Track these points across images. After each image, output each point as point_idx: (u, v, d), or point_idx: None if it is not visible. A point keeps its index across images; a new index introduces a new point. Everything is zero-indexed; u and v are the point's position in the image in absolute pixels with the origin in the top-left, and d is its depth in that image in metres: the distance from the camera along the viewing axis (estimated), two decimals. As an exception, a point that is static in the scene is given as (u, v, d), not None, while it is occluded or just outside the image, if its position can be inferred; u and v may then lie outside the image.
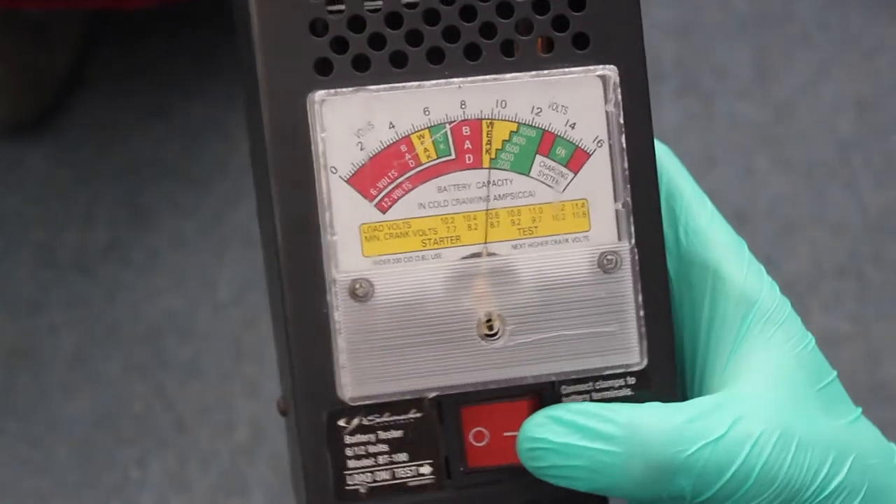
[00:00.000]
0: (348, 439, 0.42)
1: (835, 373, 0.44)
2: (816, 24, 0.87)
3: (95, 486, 0.77)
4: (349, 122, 0.42)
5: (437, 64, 0.42)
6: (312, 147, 0.42)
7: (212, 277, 0.82)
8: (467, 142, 0.43)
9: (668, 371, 0.43)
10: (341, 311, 0.42)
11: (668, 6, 0.87)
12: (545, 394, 0.43)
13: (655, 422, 0.41)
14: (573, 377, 0.43)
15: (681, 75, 0.85)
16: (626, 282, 0.43)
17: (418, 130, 0.42)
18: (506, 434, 0.43)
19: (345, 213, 0.42)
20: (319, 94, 0.42)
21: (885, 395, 0.79)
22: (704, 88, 0.86)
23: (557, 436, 0.41)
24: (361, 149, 0.42)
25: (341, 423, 0.42)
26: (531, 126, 0.43)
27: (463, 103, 0.42)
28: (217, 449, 0.78)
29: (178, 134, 0.85)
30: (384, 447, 0.43)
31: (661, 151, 0.46)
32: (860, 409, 0.44)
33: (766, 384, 0.43)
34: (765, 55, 0.87)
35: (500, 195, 0.43)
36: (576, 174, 0.43)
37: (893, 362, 0.79)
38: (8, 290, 0.82)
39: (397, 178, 0.42)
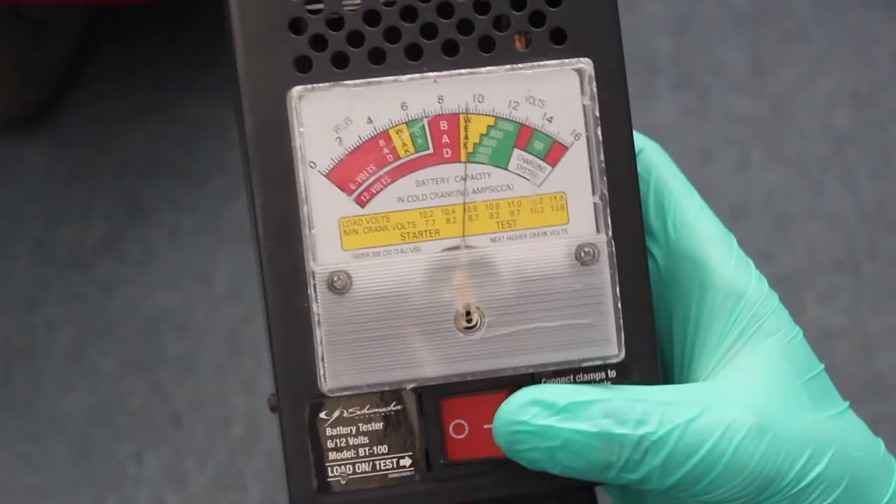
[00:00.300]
0: (329, 431, 0.43)
1: (822, 366, 0.44)
2: (812, 19, 0.87)
3: (92, 481, 0.77)
4: (328, 118, 0.42)
5: (415, 60, 0.43)
6: (292, 142, 0.42)
7: (208, 273, 0.82)
8: (445, 136, 0.43)
9: (649, 363, 0.44)
10: (320, 304, 0.42)
11: (664, 1, 0.87)
12: (524, 385, 0.43)
13: (627, 404, 0.41)
14: (552, 369, 0.43)
15: (677, 70, 0.85)
16: (603, 274, 0.43)
17: (396, 125, 0.43)
18: (485, 426, 0.43)
19: (324, 208, 0.42)
20: (297, 90, 0.42)
21: (881, 389, 0.79)
22: (701, 83, 0.86)
23: (532, 417, 0.41)
24: (340, 143, 0.42)
25: (322, 415, 0.43)
26: (508, 120, 0.43)
27: (440, 98, 0.43)
28: (214, 444, 0.78)
29: (175, 130, 0.86)
30: (364, 439, 0.43)
31: (651, 148, 0.46)
32: (847, 403, 0.45)
33: (749, 376, 0.43)
34: (761, 50, 0.87)
35: (478, 189, 0.43)
36: (553, 167, 0.43)
37: (888, 356, 0.80)
38: (4, 285, 0.82)
39: (376, 172, 0.43)
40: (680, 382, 0.45)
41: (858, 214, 0.82)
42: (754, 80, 0.87)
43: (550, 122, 0.43)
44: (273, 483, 0.77)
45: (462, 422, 0.43)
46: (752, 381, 0.43)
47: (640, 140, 0.46)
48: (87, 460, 0.78)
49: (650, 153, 0.46)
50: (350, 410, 0.43)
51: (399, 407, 0.43)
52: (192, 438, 0.78)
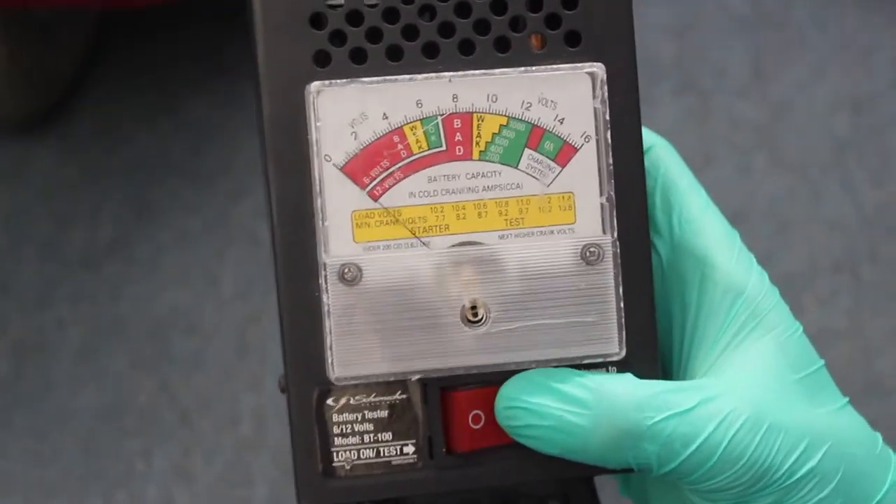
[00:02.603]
0: (336, 417, 0.44)
1: (821, 362, 0.45)
2: (813, 25, 0.88)
3: (101, 477, 0.78)
4: (344, 113, 0.43)
5: (431, 58, 0.44)
6: (308, 135, 0.43)
7: (216, 273, 0.83)
8: (458, 134, 0.44)
9: (649, 361, 0.45)
10: (330, 295, 0.43)
11: (666, 6, 0.88)
12: (525, 377, 0.44)
13: (623, 390, 0.42)
14: (553, 364, 0.44)
15: (679, 74, 0.86)
16: (607, 274, 0.44)
17: (411, 122, 0.44)
18: (486, 418, 0.44)
19: (337, 200, 0.43)
20: (316, 85, 0.43)
21: (880, 391, 0.80)
22: (702, 87, 0.87)
23: (531, 395, 0.42)
24: (355, 138, 0.43)
25: (329, 401, 0.44)
26: (521, 120, 0.44)
27: (455, 97, 0.44)
28: (221, 442, 0.79)
29: (184, 132, 0.87)
30: (370, 426, 0.44)
31: (660, 145, 0.47)
32: (846, 399, 0.45)
33: (746, 371, 0.44)
34: (762, 55, 0.88)
35: (488, 186, 0.44)
36: (563, 168, 0.44)
37: (888, 358, 0.80)
38: (15, 285, 0.83)
39: (389, 167, 0.44)
40: (679, 377, 0.46)
41: (859, 218, 0.83)
42: (755, 86, 0.87)
43: (562, 123, 0.44)
44: (280, 480, 0.78)
45: (464, 412, 0.44)
46: (748, 376, 0.44)
47: (649, 137, 0.47)
48: (95, 457, 0.79)
49: (659, 150, 0.47)
50: (356, 398, 0.44)
51: (404, 396, 0.44)
52: (200, 436, 0.79)
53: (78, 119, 0.87)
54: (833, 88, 0.87)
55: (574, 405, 0.42)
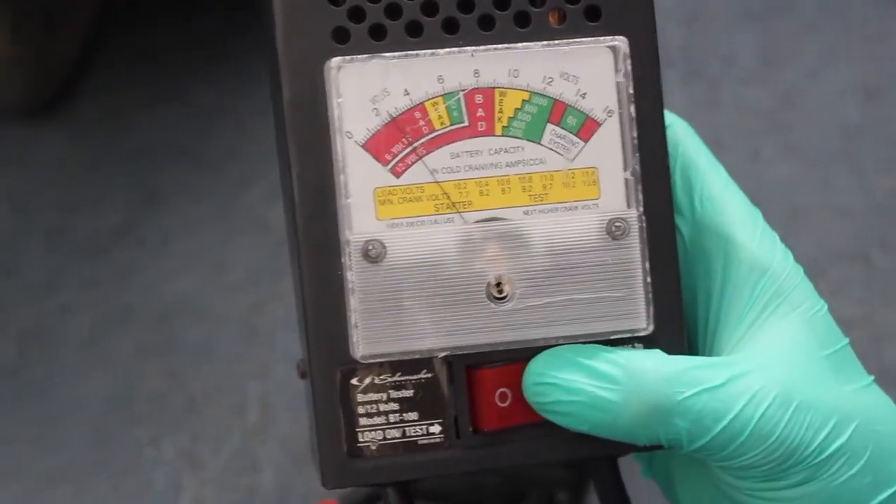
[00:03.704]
0: (360, 397, 0.43)
1: (846, 340, 0.45)
2: (822, 11, 0.88)
3: (109, 464, 0.78)
4: (365, 89, 0.43)
5: (451, 34, 0.43)
6: (329, 113, 0.43)
7: (223, 260, 0.82)
8: (480, 109, 0.44)
9: (676, 337, 0.44)
10: (354, 272, 0.43)
11: (675, -7, 0.87)
12: (553, 354, 0.44)
13: (654, 365, 0.42)
14: (580, 341, 0.44)
15: (687, 61, 0.86)
16: (633, 248, 0.44)
17: (432, 98, 0.43)
18: (513, 396, 0.44)
19: (359, 177, 0.43)
20: (336, 61, 0.43)
21: (892, 379, 0.80)
22: (711, 75, 0.87)
23: (560, 371, 0.42)
24: (377, 115, 0.43)
25: (354, 381, 0.43)
26: (543, 95, 0.44)
27: (476, 72, 0.43)
28: (229, 429, 0.78)
29: (190, 118, 0.86)
30: (395, 406, 0.44)
31: (678, 125, 0.47)
32: (872, 378, 0.45)
33: (773, 349, 0.43)
34: (771, 42, 0.87)
35: (511, 162, 0.44)
36: (586, 143, 0.44)
37: (899, 346, 0.80)
38: (21, 271, 0.82)
39: (411, 143, 0.43)
40: (703, 355, 0.46)
41: (869, 206, 0.83)
42: (764, 73, 0.87)
43: (584, 98, 0.44)
44: (287, 467, 0.77)
45: (491, 390, 0.44)
46: (775, 354, 0.43)
47: (666, 117, 0.47)
48: (103, 445, 0.78)
49: (677, 129, 0.47)
50: (381, 377, 0.44)
51: (430, 375, 0.44)
52: (208, 423, 0.79)
53: (83, 105, 0.87)
54: (843, 76, 0.86)
55: (604, 381, 0.42)
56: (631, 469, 0.54)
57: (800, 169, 0.84)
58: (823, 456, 0.42)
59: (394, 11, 0.43)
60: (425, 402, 0.44)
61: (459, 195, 0.43)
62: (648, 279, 0.44)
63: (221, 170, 0.84)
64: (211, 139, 0.85)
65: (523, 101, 0.44)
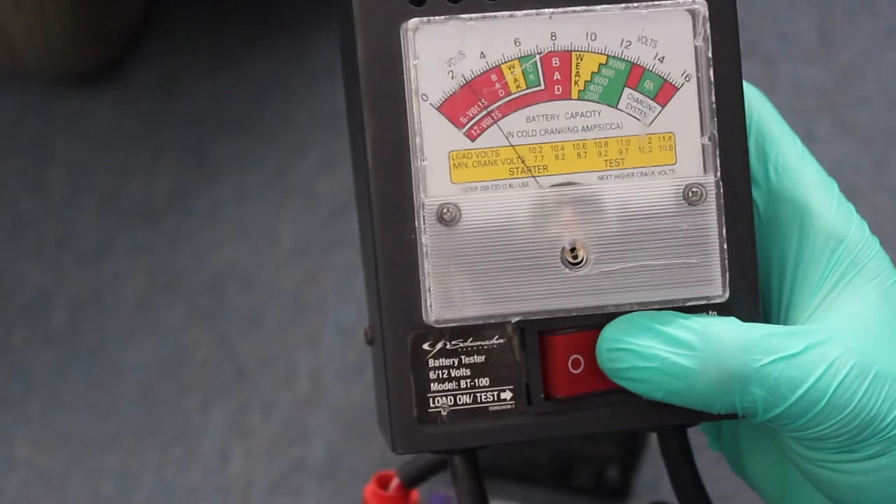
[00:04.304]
0: (432, 363, 0.43)
1: None
2: (882, -9, 0.87)
3: (158, 431, 0.78)
4: (441, 51, 0.43)
5: None
6: (404, 75, 0.43)
7: (274, 229, 0.82)
8: (556, 73, 0.43)
9: (751, 304, 0.44)
10: (428, 236, 0.43)
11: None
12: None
13: (731, 332, 0.42)
14: (655, 307, 0.43)
15: (744, 39, 0.85)
16: (710, 214, 0.43)
17: (509, 60, 0.43)
18: (586, 363, 0.43)
19: (434, 140, 0.43)
20: (413, 22, 0.42)
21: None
22: (767, 52, 0.86)
23: (636, 337, 0.42)
24: (452, 77, 0.43)
25: (426, 346, 0.43)
26: (620, 59, 0.43)
27: (553, 35, 0.43)
28: (278, 398, 0.78)
29: (243, 86, 0.86)
30: (466, 371, 0.43)
31: (753, 94, 0.46)
32: None
33: (849, 319, 0.43)
34: (829, 20, 0.87)
35: (588, 126, 0.43)
36: (663, 107, 0.44)
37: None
38: (73, 237, 0.82)
39: (487, 106, 0.43)
40: (778, 323, 0.45)
41: (925, 187, 0.82)
42: (822, 51, 0.86)
43: (662, 62, 0.43)
44: (337, 439, 0.77)
45: (563, 357, 0.43)
46: (852, 324, 0.43)
47: None
48: (152, 411, 0.78)
49: (751, 99, 0.47)
50: (453, 342, 0.43)
51: (502, 340, 0.43)
52: (257, 392, 0.78)
53: (137, 72, 0.87)
54: (901, 55, 0.86)
55: (680, 347, 0.41)
56: (698, 440, 0.54)
57: (856, 149, 0.84)
58: None
59: None
60: (497, 369, 0.43)
61: (534, 159, 0.43)
62: (724, 246, 0.43)
63: (273, 139, 0.84)
64: (264, 108, 0.85)
65: (600, 64, 0.43)
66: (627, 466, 0.76)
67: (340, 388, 0.78)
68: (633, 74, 0.43)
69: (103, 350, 0.80)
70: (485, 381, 0.43)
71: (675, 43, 0.43)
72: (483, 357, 0.43)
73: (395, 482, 0.50)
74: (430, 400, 0.43)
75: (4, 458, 0.77)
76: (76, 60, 0.83)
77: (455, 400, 0.43)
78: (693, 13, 0.43)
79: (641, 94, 0.43)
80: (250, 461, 0.77)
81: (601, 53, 0.43)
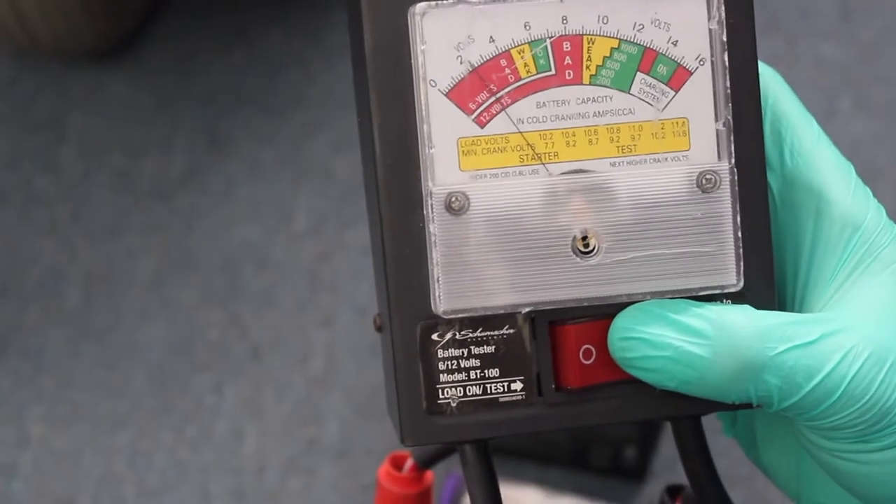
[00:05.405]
0: (441, 353, 0.42)
1: None
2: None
3: (171, 410, 0.77)
4: (449, 36, 0.42)
5: None
6: (412, 60, 0.42)
7: (288, 208, 0.82)
8: (567, 57, 0.42)
9: (766, 293, 0.43)
10: (437, 224, 0.42)
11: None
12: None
13: (745, 320, 0.41)
14: (669, 296, 0.42)
15: (763, 15, 0.84)
16: (724, 202, 0.43)
17: (518, 45, 0.42)
18: (598, 353, 0.43)
19: (443, 127, 0.42)
20: (421, 6, 0.42)
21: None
22: (788, 28, 0.85)
23: (648, 326, 0.41)
24: (461, 62, 0.42)
25: (434, 336, 0.42)
26: (632, 43, 0.42)
27: (564, 18, 0.42)
28: (292, 378, 0.78)
29: (257, 64, 0.85)
30: (476, 362, 0.43)
31: (768, 74, 0.45)
32: None
33: (866, 306, 0.42)
34: (850, -4, 0.86)
35: (599, 112, 0.42)
36: (676, 92, 0.43)
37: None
38: (86, 214, 0.82)
39: (496, 92, 0.42)
40: (793, 310, 0.45)
41: (947, 165, 0.82)
42: (842, 28, 0.85)
43: (675, 45, 0.42)
44: (350, 419, 0.77)
45: (574, 347, 0.42)
46: (868, 313, 0.42)
47: None
48: (165, 390, 0.78)
49: (766, 80, 0.46)
50: (462, 333, 0.42)
51: (512, 331, 0.43)
52: (270, 372, 0.78)
53: (151, 50, 0.86)
54: (923, 31, 0.85)
55: (693, 336, 0.40)
56: (712, 427, 0.53)
57: (877, 126, 0.83)
58: None
59: None
60: (507, 359, 0.42)
61: (545, 146, 0.42)
62: (739, 234, 0.42)
63: (287, 116, 0.84)
64: (277, 86, 0.85)
65: (612, 48, 0.42)
66: (645, 447, 0.75)
67: (354, 367, 0.78)
68: (646, 58, 0.42)
69: (116, 329, 0.79)
70: (495, 372, 0.43)
71: (688, 26, 0.42)
72: (493, 348, 0.42)
73: (409, 463, 0.49)
74: (440, 391, 0.42)
75: (18, 437, 0.77)
76: (90, 37, 0.82)
77: (464, 391, 0.43)
78: None
79: (654, 78, 0.42)
80: (264, 441, 0.76)
81: (613, 37, 0.42)
